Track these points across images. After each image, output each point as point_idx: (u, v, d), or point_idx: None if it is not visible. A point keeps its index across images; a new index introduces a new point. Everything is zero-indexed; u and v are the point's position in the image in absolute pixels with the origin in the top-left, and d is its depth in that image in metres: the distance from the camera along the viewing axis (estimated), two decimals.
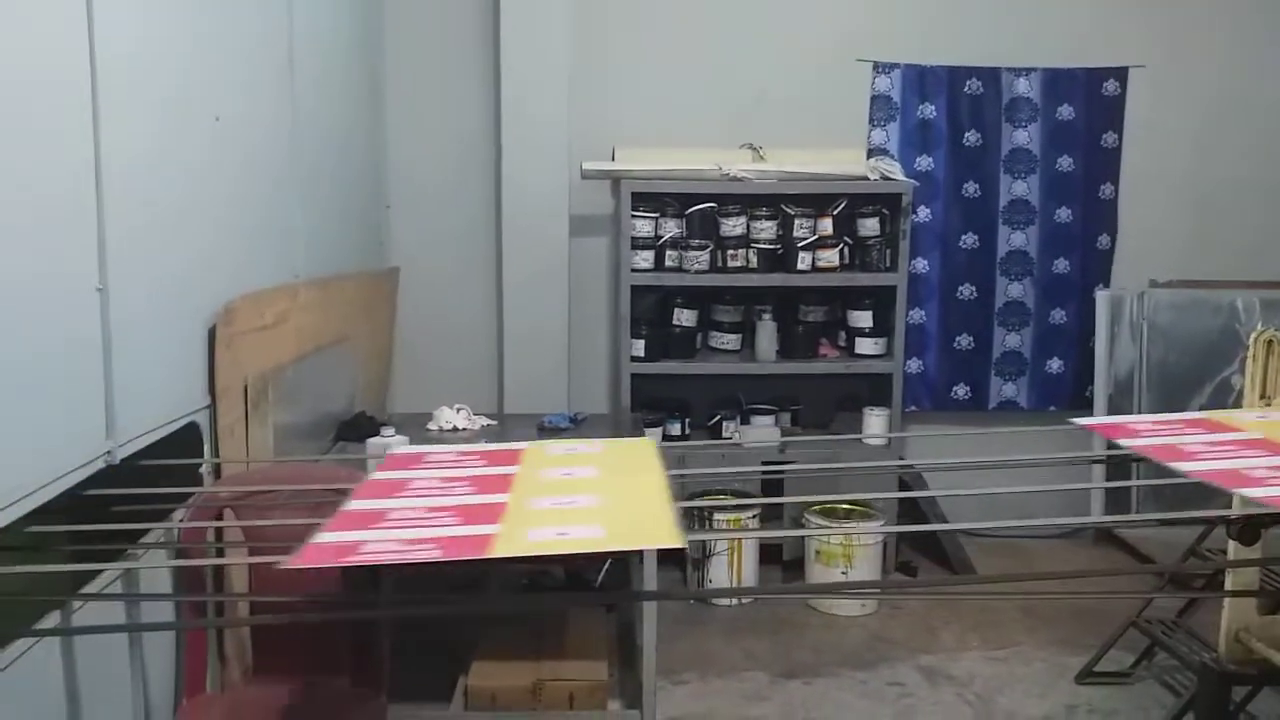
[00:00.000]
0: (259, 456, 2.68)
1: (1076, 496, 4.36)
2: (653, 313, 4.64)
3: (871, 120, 4.85)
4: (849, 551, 4.20)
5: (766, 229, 4.52)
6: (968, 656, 3.78)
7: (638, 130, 4.69)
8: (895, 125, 4.85)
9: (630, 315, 4.44)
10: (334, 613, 2.09)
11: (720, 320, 4.70)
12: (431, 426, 3.74)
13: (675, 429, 4.61)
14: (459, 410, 3.80)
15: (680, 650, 3.77)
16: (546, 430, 3.77)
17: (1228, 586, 2.97)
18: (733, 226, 4.50)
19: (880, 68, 4.83)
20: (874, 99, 4.84)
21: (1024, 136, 4.90)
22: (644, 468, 1.58)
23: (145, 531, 2.01)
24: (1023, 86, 4.87)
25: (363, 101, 4.22)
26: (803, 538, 4.41)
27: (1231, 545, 2.65)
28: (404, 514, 1.38)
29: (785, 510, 4.52)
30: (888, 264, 4.54)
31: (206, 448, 2.48)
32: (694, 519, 4.31)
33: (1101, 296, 4.84)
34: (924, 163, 4.86)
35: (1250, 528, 1.77)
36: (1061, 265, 4.99)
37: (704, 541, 4.27)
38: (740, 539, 4.25)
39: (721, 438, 4.61)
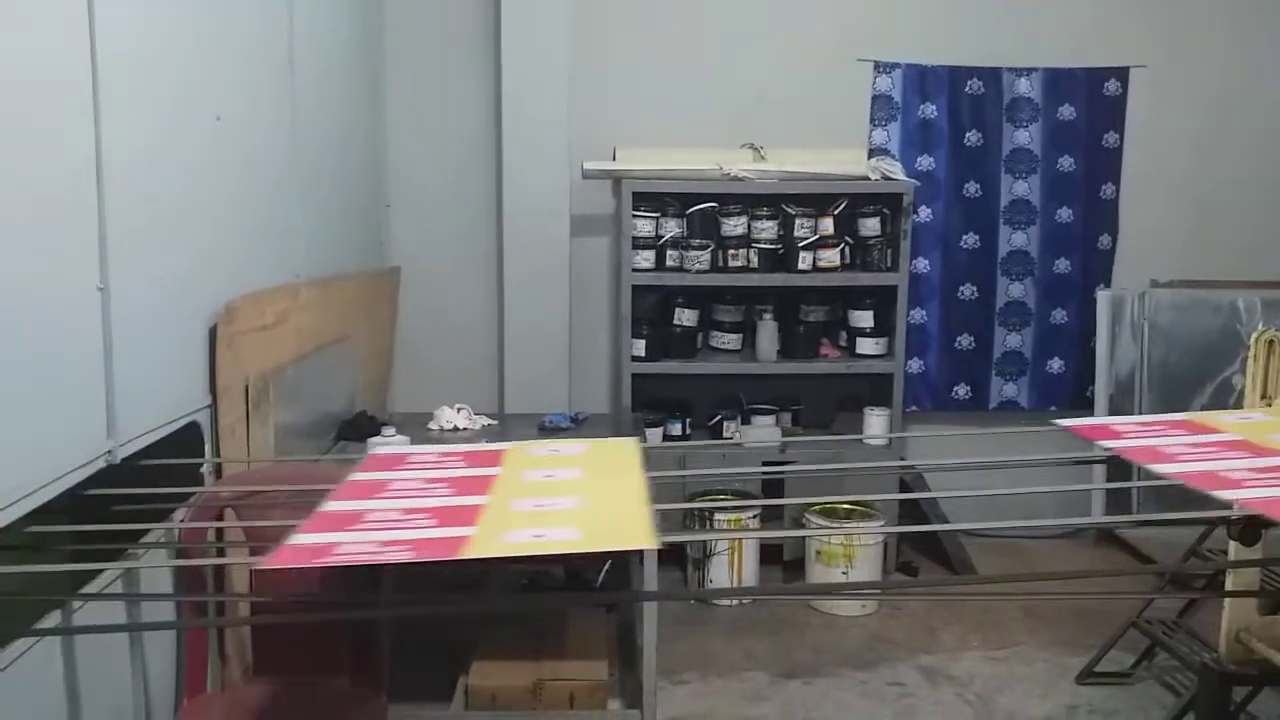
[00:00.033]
0: (260, 456, 2.68)
1: (1077, 497, 4.36)
2: (653, 312, 4.64)
3: (872, 120, 4.85)
4: (849, 552, 4.20)
5: (767, 229, 4.52)
6: (968, 657, 3.78)
7: (638, 130, 4.69)
8: (896, 125, 4.84)
9: (631, 315, 4.44)
10: (334, 613, 2.09)
11: (721, 320, 4.70)
12: (432, 426, 3.74)
13: (676, 429, 4.61)
14: (460, 410, 3.80)
15: (680, 650, 3.77)
16: (547, 430, 3.77)
17: (1228, 587, 2.97)
18: (734, 226, 4.50)
19: (881, 67, 4.82)
20: (875, 99, 4.84)
21: (1025, 136, 4.90)
22: (625, 469, 1.58)
23: (146, 531, 2.01)
24: (1024, 86, 4.87)
25: (363, 101, 4.22)
26: (803, 538, 4.41)
27: (1232, 546, 2.65)
28: (381, 515, 1.38)
29: (786, 510, 4.52)
30: (889, 264, 4.54)
31: (207, 447, 2.48)
32: (694, 519, 4.31)
33: (1102, 296, 4.84)
34: (925, 162, 4.86)
35: (1251, 528, 1.77)
36: (1062, 265, 4.98)
37: (704, 541, 4.27)
38: (741, 539, 4.24)
39: (722, 438, 4.60)
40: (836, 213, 4.53)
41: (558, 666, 3.14)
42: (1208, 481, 1.41)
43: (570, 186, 4.54)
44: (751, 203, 4.53)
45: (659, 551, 2.92)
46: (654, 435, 4.45)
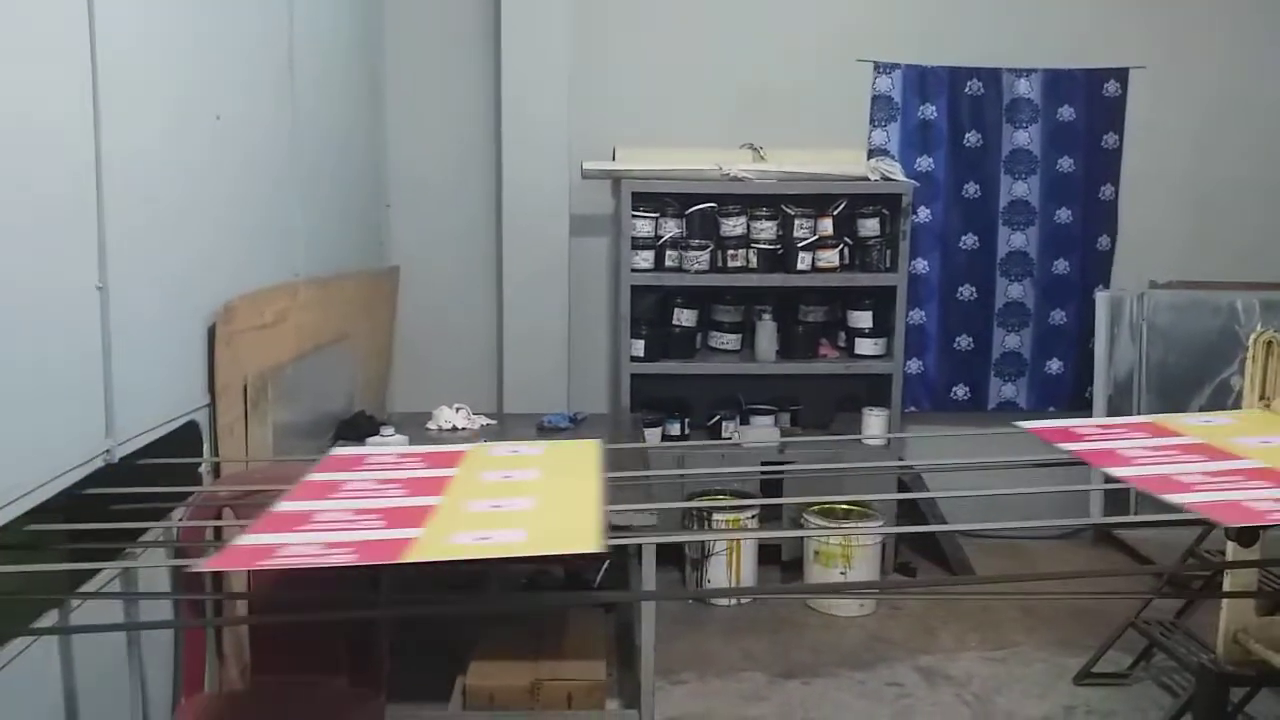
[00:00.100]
0: (258, 456, 2.68)
1: (1075, 497, 4.36)
2: (653, 313, 4.64)
3: (872, 120, 4.85)
4: (848, 552, 4.21)
5: (766, 229, 4.52)
6: (966, 657, 3.78)
7: (638, 130, 4.70)
8: (896, 125, 4.85)
9: (630, 315, 4.44)
10: (332, 612, 2.09)
11: (720, 320, 4.70)
12: (431, 426, 3.74)
13: (675, 429, 4.61)
14: (458, 410, 3.80)
15: (679, 650, 3.77)
16: (546, 430, 3.77)
17: (1226, 588, 2.97)
18: (733, 226, 4.50)
19: (881, 68, 4.83)
20: (874, 99, 4.84)
21: (1024, 137, 4.90)
22: (583, 471, 1.57)
23: (144, 530, 2.01)
24: (1023, 87, 4.87)
25: (363, 101, 4.22)
26: (802, 538, 4.41)
27: (1230, 546, 2.66)
28: (331, 516, 1.38)
29: (784, 510, 4.53)
30: (888, 264, 4.54)
31: (206, 447, 2.48)
32: (693, 519, 4.31)
33: (1101, 297, 4.84)
34: (924, 163, 4.86)
35: (1248, 529, 1.77)
36: (1061, 266, 4.99)
37: (703, 541, 4.27)
38: (739, 539, 4.25)
39: (721, 438, 4.61)
40: (836, 213, 4.54)
41: (556, 666, 3.14)
42: (1160, 485, 1.41)
43: (570, 186, 4.54)
44: (751, 203, 4.53)
45: (658, 551, 2.93)
46: (653, 435, 4.45)
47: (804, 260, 4.50)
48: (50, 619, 1.85)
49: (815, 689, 3.55)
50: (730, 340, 4.70)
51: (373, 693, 2.33)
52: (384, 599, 2.24)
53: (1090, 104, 4.92)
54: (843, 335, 4.75)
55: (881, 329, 4.59)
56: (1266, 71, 4.96)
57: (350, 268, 3.90)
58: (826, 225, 4.53)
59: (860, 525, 4.29)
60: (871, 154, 4.75)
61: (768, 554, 4.47)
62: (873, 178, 4.55)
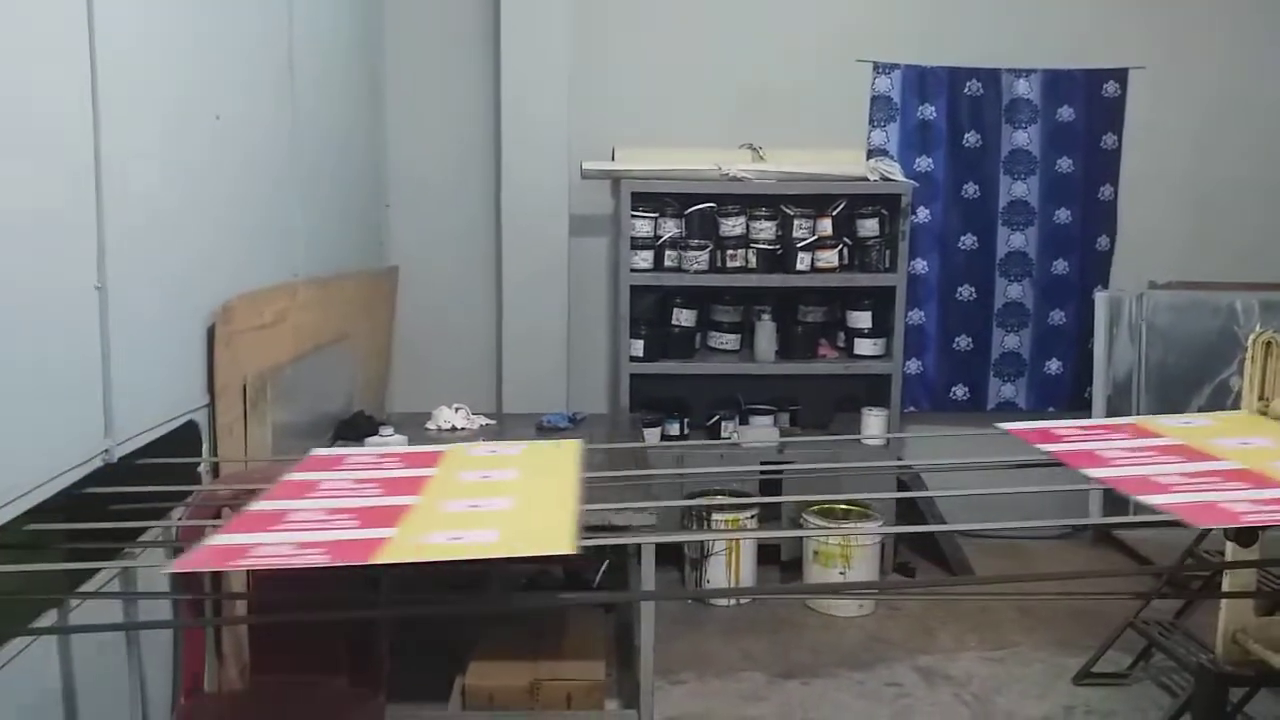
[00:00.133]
0: (257, 455, 2.68)
1: (1074, 497, 4.37)
2: (652, 313, 4.64)
3: (871, 121, 4.85)
4: (847, 552, 4.21)
5: (766, 229, 4.52)
6: (965, 657, 3.78)
7: (637, 130, 4.70)
8: (895, 126, 4.85)
9: (629, 315, 4.44)
10: (332, 612, 2.09)
11: (719, 320, 4.71)
12: (430, 426, 3.74)
13: (674, 429, 4.61)
14: (458, 410, 3.80)
15: (678, 650, 3.77)
16: (545, 430, 3.77)
17: (1225, 588, 2.97)
18: (732, 226, 4.51)
19: (880, 68, 4.83)
20: (874, 99, 4.84)
21: (1024, 138, 4.90)
22: (561, 472, 1.57)
23: (143, 530, 2.01)
24: (1023, 88, 4.88)
25: (363, 101, 4.22)
26: (801, 538, 4.41)
27: (1229, 547, 2.66)
28: (305, 516, 1.37)
29: (783, 510, 4.53)
30: (887, 265, 4.54)
31: (205, 446, 2.48)
32: (692, 519, 4.31)
33: (1100, 298, 4.84)
34: (923, 163, 4.86)
35: (1247, 529, 1.77)
36: (1061, 266, 4.99)
37: (702, 541, 4.27)
38: (738, 539, 4.25)
39: (720, 438, 4.61)
40: (835, 213, 4.54)
41: (555, 666, 3.14)
42: (1136, 486, 1.41)
43: (569, 186, 4.54)
44: (750, 203, 4.53)
45: (657, 551, 2.93)
46: (652, 435, 4.45)
47: (803, 260, 4.50)
48: (49, 619, 1.85)
49: (814, 689, 3.55)
50: (729, 340, 4.70)
51: (372, 693, 2.33)
52: (384, 599, 2.24)
53: (1089, 104, 4.92)
54: (842, 335, 4.75)
55: (881, 329, 4.60)
56: (1266, 71, 4.96)
57: (350, 268, 3.90)
58: (826, 225, 4.53)
59: (859, 525, 4.29)
60: (871, 154, 4.76)
61: (767, 554, 4.47)
62: (872, 178, 4.55)
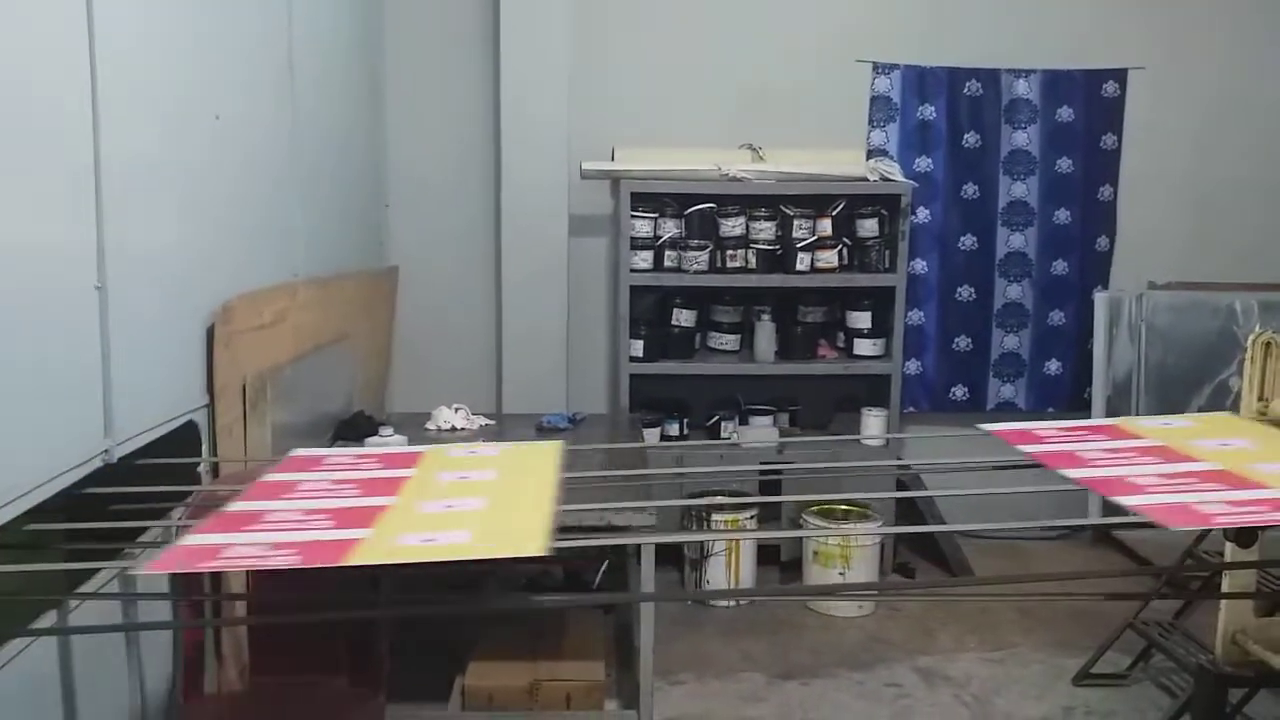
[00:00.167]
0: (257, 456, 2.68)
1: (1073, 498, 4.32)
2: (651, 313, 4.64)
3: (871, 121, 4.85)
4: (847, 552, 4.21)
5: (765, 229, 4.52)
6: (965, 658, 3.78)
7: (637, 130, 4.70)
8: (895, 126, 4.85)
9: (629, 315, 4.44)
10: (332, 612, 2.09)
11: (719, 321, 4.71)
12: (430, 426, 3.74)
13: (674, 429, 4.61)
14: (457, 410, 3.80)
15: (677, 651, 3.77)
16: (545, 430, 3.77)
17: (1224, 588, 2.97)
18: (732, 227, 4.51)
19: (880, 68, 4.83)
20: (873, 100, 4.85)
21: (1023, 138, 4.90)
22: (540, 472, 1.57)
23: (143, 530, 2.01)
24: (1022, 88, 4.88)
25: (363, 101, 4.22)
26: (801, 538, 4.41)
27: (1228, 547, 2.65)
28: (281, 516, 1.37)
29: (783, 511, 4.53)
30: (886, 265, 4.54)
31: (204, 447, 2.47)
32: (692, 519, 4.31)
33: (1100, 298, 4.84)
34: (923, 164, 4.87)
35: (1247, 530, 1.77)
36: (1060, 267, 4.99)
37: (702, 542, 4.27)
38: (738, 540, 4.25)
39: (720, 438, 4.61)
40: (835, 214, 4.54)
41: (555, 667, 3.14)
42: (1111, 487, 1.42)
43: (569, 186, 4.54)
44: (750, 203, 4.53)
45: (656, 552, 2.93)
46: (652, 435, 4.45)
47: (803, 261, 4.50)
48: (49, 619, 1.85)
49: (814, 690, 3.55)
50: (729, 340, 4.70)
51: (372, 693, 2.33)
52: (383, 599, 2.24)
53: (1089, 105, 4.92)
54: (841, 336, 4.75)
55: (880, 329, 4.60)
56: (1266, 71, 4.96)
57: (349, 268, 3.90)
58: (825, 226, 4.53)
59: (859, 526, 4.30)
60: (870, 154, 4.76)
61: (766, 554, 4.47)
62: (871, 178, 4.55)
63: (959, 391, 5.03)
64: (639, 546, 2.84)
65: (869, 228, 4.58)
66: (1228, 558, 2.74)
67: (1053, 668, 3.69)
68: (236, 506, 1.42)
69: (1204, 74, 4.95)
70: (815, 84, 4.80)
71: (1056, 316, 5.02)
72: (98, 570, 1.91)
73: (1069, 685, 3.56)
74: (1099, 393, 4.84)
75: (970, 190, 4.92)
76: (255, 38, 2.92)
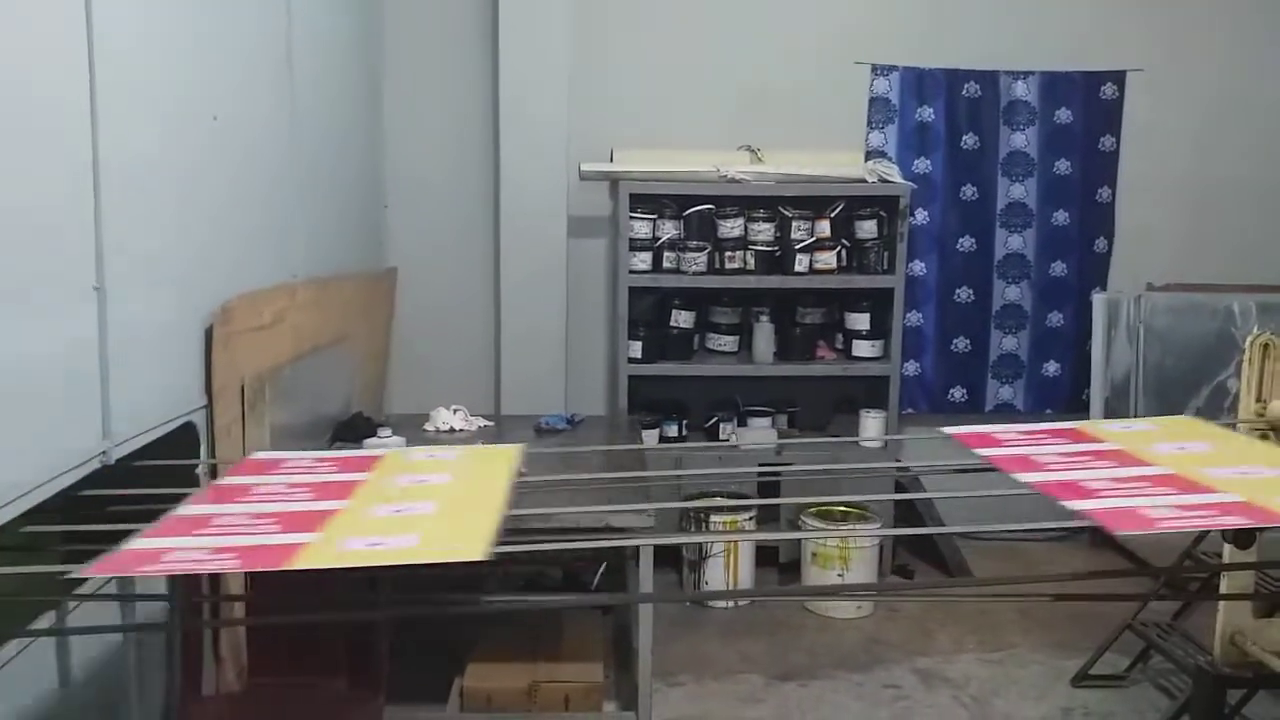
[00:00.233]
0: None
1: None
2: (650, 314, 4.64)
3: (869, 122, 4.85)
4: (845, 554, 4.21)
5: (764, 231, 4.52)
6: (963, 659, 3.78)
7: (637, 131, 4.70)
8: (893, 127, 4.85)
9: (628, 316, 4.44)
10: (330, 614, 2.09)
11: (718, 322, 4.70)
12: (428, 427, 3.74)
13: (672, 430, 4.61)
14: (456, 411, 3.80)
15: (676, 652, 3.77)
16: (543, 432, 3.77)
17: (1223, 589, 2.97)
18: (730, 228, 4.51)
19: (879, 70, 4.83)
20: (872, 101, 4.85)
21: (1022, 140, 4.91)
22: (494, 476, 1.57)
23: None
24: (1021, 90, 4.88)
25: (361, 101, 4.22)
26: (799, 540, 4.41)
27: (1227, 548, 2.65)
28: (229, 520, 1.37)
29: (782, 512, 4.53)
30: (885, 266, 4.54)
31: (203, 448, 2.47)
32: (690, 521, 4.31)
33: (1098, 299, 4.85)
34: (922, 165, 4.87)
35: (1245, 531, 1.77)
36: (1059, 268, 5.00)
37: (700, 543, 4.27)
38: (737, 541, 4.25)
39: (718, 439, 4.61)
40: (833, 215, 4.54)
41: (553, 668, 3.14)
42: (1062, 491, 1.43)
43: (568, 187, 4.54)
44: (748, 205, 4.53)
45: (655, 553, 2.93)
46: (650, 437, 4.45)
47: (801, 262, 4.50)
48: (47, 621, 1.84)
49: (813, 691, 3.55)
50: (728, 342, 4.69)
51: (371, 694, 2.33)
52: (382, 601, 2.24)
53: (1087, 106, 4.93)
54: (840, 337, 4.75)
55: (879, 331, 4.60)
56: (1265, 72, 4.97)
57: (348, 269, 3.90)
58: (824, 227, 4.53)
59: (858, 527, 4.29)
60: (869, 156, 4.76)
61: (765, 556, 4.47)
62: (870, 180, 4.55)
63: (957, 393, 5.03)
64: (638, 548, 2.84)
65: (868, 229, 4.58)
66: (1226, 559, 2.74)
67: (1051, 669, 3.69)
68: (187, 510, 1.42)
69: (1202, 75, 4.95)
70: (814, 85, 4.80)
71: (1055, 318, 5.02)
72: None
73: (1068, 686, 3.56)
74: (1097, 394, 4.85)
75: (969, 192, 4.92)
76: (254, 38, 2.92)
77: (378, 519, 1.39)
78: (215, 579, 2.37)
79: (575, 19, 4.56)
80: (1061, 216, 4.97)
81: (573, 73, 4.52)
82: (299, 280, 3.22)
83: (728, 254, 4.50)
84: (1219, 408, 4.48)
